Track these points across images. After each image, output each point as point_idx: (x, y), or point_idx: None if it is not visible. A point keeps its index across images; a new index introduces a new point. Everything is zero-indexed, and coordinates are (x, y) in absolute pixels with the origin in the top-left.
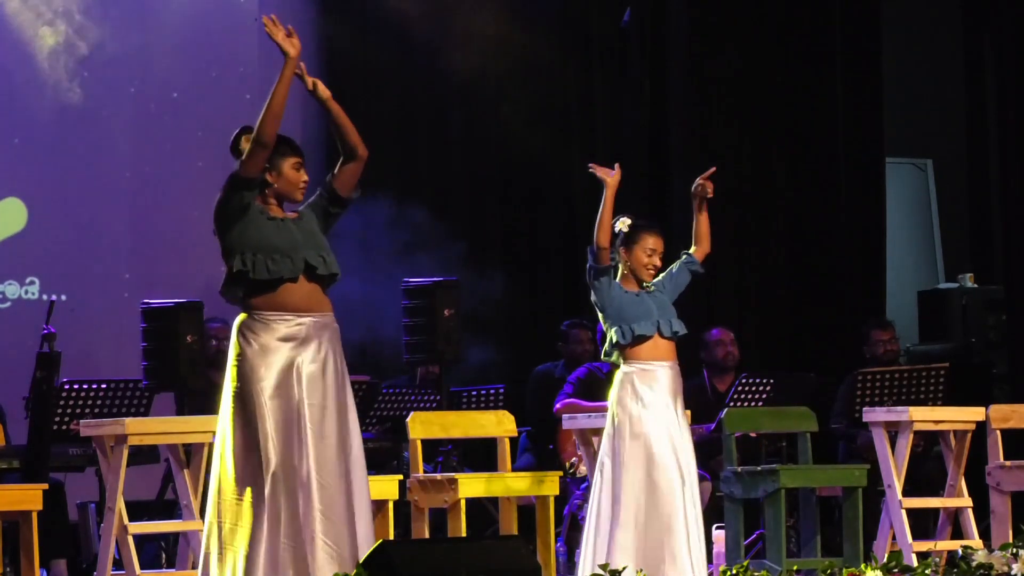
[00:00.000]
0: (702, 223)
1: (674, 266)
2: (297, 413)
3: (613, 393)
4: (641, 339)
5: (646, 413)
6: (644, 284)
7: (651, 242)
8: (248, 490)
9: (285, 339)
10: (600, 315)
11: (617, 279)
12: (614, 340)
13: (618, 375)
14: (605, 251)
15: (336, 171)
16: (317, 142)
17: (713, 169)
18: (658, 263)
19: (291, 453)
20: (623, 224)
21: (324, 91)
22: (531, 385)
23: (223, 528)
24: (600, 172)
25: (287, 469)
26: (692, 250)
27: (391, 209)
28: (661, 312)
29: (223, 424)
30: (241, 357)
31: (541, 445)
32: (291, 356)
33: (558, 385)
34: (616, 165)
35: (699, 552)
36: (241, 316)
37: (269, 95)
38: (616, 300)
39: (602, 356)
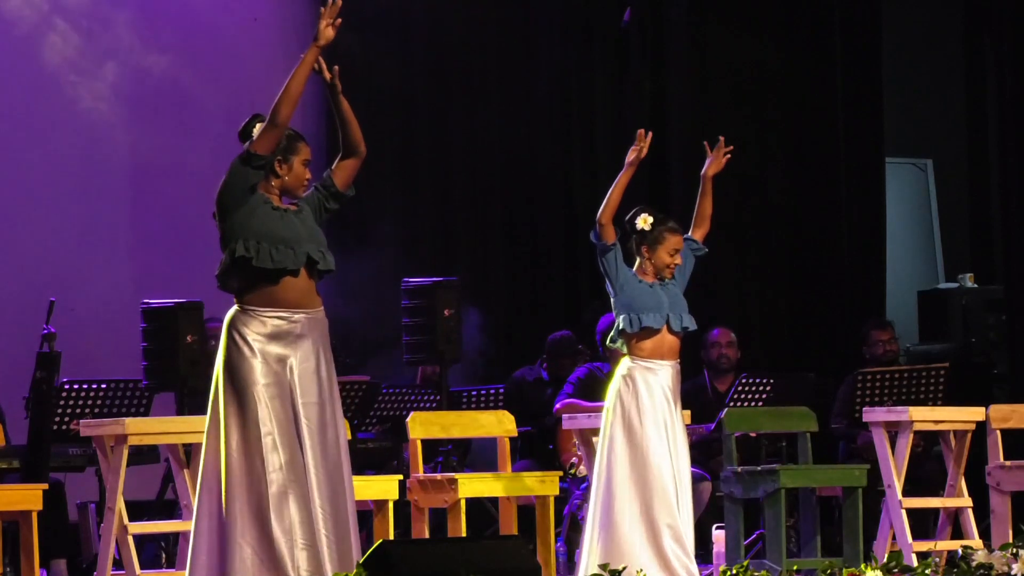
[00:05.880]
0: (706, 205)
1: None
2: (294, 412)
3: (613, 385)
4: (648, 332)
5: (643, 414)
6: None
7: (674, 242)
8: (244, 493)
9: (277, 336)
10: (612, 298)
11: (634, 269)
12: (620, 327)
13: (621, 366)
14: (605, 227)
15: (335, 166)
16: (315, 140)
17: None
18: (680, 262)
19: (296, 453)
20: (644, 222)
21: (338, 84)
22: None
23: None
24: (640, 146)
25: (296, 470)
26: (691, 232)
27: (391, 208)
28: (672, 305)
29: (216, 424)
30: (235, 356)
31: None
32: (284, 354)
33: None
34: (644, 134)
35: (690, 553)
36: (233, 310)
37: (288, 77)
38: (628, 286)
39: (607, 342)
